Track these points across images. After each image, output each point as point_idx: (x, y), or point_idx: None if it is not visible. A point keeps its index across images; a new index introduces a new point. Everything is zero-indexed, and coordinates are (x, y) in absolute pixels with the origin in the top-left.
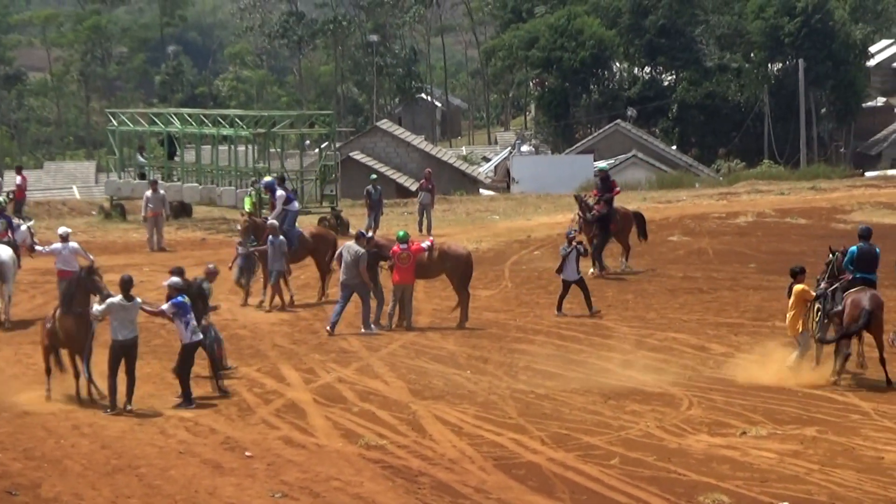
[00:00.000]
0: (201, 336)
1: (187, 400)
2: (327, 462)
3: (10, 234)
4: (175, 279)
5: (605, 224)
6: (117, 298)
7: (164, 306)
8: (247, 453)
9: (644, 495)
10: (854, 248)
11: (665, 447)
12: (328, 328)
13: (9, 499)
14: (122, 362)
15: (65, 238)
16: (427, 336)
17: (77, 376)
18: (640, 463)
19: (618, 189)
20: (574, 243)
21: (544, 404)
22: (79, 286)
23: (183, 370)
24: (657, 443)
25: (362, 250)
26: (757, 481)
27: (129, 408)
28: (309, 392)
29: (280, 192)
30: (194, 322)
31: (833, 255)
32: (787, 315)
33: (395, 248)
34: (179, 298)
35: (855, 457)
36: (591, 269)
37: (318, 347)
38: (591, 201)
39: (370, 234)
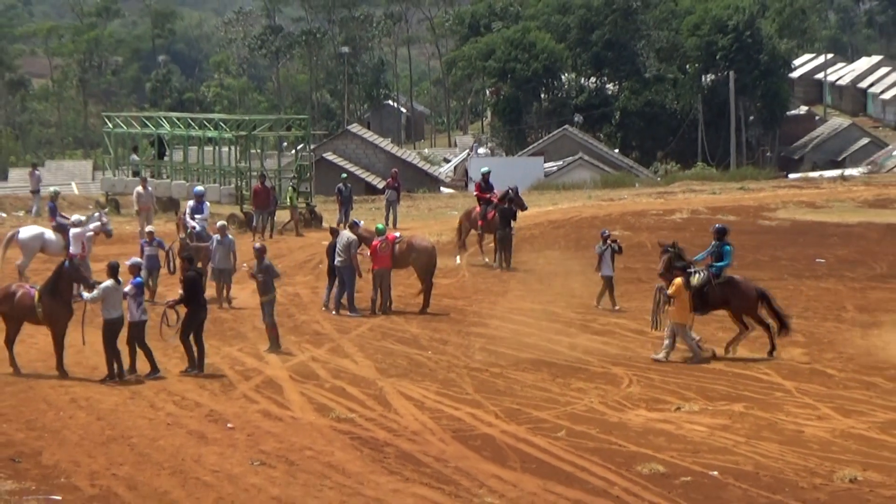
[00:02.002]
0: (146, 317)
1: (132, 369)
2: (302, 433)
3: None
4: (136, 259)
5: (506, 220)
6: (110, 282)
7: (126, 287)
8: (229, 425)
9: (588, 465)
10: (729, 246)
11: (607, 421)
12: (326, 308)
13: (12, 466)
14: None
15: (76, 225)
16: (392, 320)
17: (59, 353)
18: (585, 435)
19: (497, 194)
20: (609, 241)
21: (498, 382)
22: (62, 275)
23: (136, 345)
24: (600, 417)
25: (354, 237)
26: (690, 452)
27: (126, 377)
28: (285, 370)
29: (206, 203)
30: (144, 304)
31: (669, 250)
32: (678, 307)
33: (374, 242)
34: (139, 279)
35: (778, 430)
36: (458, 259)
37: (294, 329)
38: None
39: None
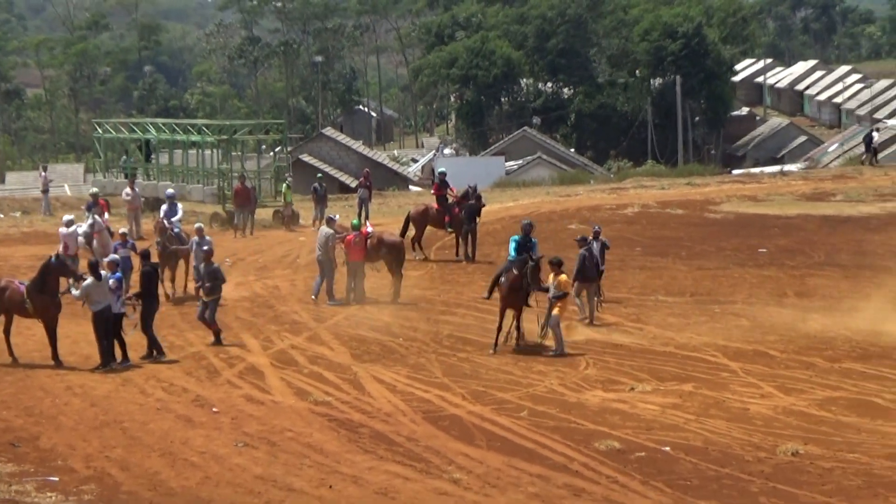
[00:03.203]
0: (124, 310)
1: (105, 363)
2: (282, 416)
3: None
4: (114, 256)
5: (472, 215)
6: (90, 280)
7: (111, 282)
8: (214, 409)
9: (549, 442)
10: (534, 240)
11: (566, 401)
12: (313, 297)
13: (12, 450)
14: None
15: (66, 225)
16: (365, 309)
17: (53, 344)
18: (545, 415)
19: (453, 190)
20: (600, 237)
21: (465, 366)
22: (50, 271)
23: (116, 335)
24: (559, 398)
25: (331, 231)
26: (643, 429)
27: (127, 363)
28: (266, 357)
29: (179, 205)
30: (123, 297)
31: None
32: (565, 302)
33: (349, 236)
34: (119, 274)
35: (725, 408)
36: (417, 256)
37: (274, 319)
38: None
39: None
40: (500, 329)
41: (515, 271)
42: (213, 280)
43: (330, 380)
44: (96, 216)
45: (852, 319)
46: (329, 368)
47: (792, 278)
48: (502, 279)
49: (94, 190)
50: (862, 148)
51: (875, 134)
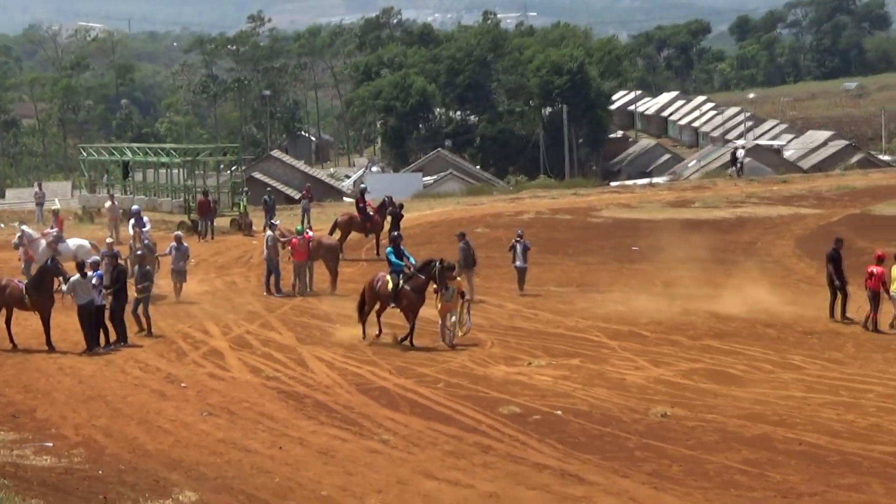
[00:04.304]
0: (104, 302)
1: (90, 347)
2: (240, 389)
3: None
4: (95, 257)
5: (396, 221)
6: (76, 277)
7: (94, 280)
8: (182, 384)
9: (461, 408)
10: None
11: (475, 374)
12: (265, 292)
13: (13, 421)
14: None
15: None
16: (308, 301)
17: (47, 332)
18: (458, 386)
19: (370, 203)
20: (522, 239)
21: (391, 346)
22: (46, 273)
23: (95, 324)
24: (469, 371)
25: (272, 234)
26: (539, 397)
27: (110, 348)
28: (226, 341)
29: (146, 218)
30: (103, 293)
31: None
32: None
33: (293, 240)
34: (100, 272)
35: (606, 379)
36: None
37: (232, 310)
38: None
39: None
40: (379, 317)
41: (422, 276)
42: (144, 280)
43: (279, 359)
44: (24, 228)
45: (709, 304)
46: (278, 350)
47: (659, 271)
48: (406, 286)
49: (56, 207)
50: (720, 164)
51: (740, 152)
